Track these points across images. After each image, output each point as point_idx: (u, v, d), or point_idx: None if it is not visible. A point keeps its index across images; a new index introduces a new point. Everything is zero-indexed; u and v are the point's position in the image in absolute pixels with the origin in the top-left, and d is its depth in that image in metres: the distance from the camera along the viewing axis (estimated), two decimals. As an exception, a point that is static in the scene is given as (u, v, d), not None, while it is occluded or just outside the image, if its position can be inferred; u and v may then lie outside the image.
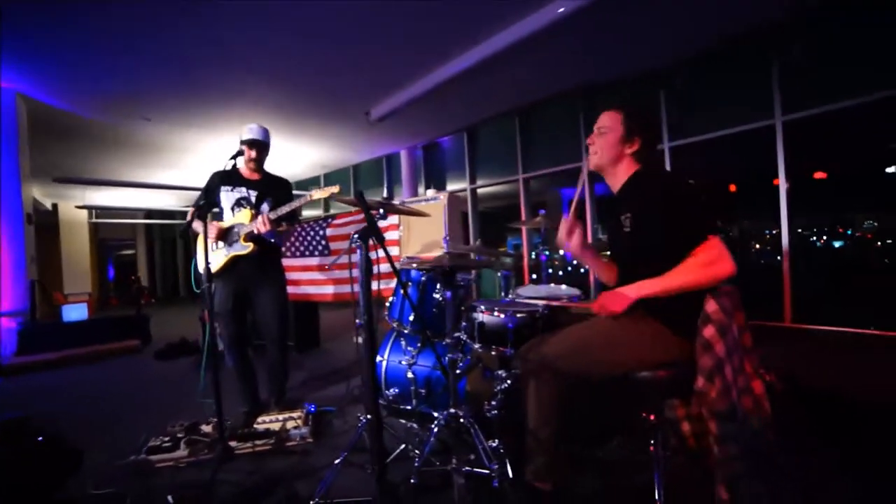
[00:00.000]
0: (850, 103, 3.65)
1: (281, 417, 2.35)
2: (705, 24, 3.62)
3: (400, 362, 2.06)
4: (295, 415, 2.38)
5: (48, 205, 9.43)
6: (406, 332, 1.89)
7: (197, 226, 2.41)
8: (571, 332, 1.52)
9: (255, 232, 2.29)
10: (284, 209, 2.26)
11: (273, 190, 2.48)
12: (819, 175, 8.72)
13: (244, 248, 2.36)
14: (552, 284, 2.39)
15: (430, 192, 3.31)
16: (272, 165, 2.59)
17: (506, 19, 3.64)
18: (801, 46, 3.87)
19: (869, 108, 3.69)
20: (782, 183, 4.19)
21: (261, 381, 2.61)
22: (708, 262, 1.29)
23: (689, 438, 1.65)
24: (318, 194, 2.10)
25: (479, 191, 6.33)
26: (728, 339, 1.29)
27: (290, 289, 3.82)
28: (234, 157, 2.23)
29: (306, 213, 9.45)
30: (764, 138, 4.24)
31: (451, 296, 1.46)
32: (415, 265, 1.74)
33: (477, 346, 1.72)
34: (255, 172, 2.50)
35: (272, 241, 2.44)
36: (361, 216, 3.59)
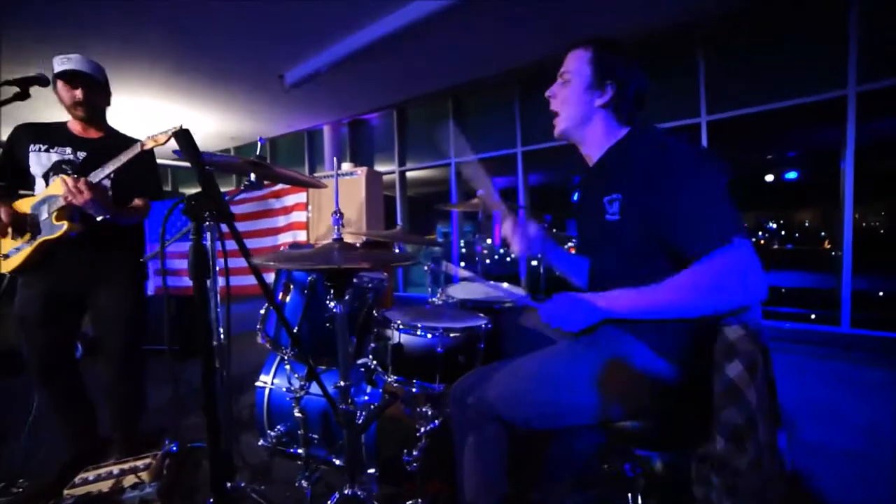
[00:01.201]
0: (772, 106, 3.62)
1: (117, 470, 1.59)
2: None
3: (287, 391, 1.43)
4: (140, 463, 1.63)
5: None
6: (285, 357, 1.26)
7: None
8: (525, 366, 1.02)
9: (66, 201, 1.46)
10: (107, 168, 1.45)
11: (116, 154, 1.58)
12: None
13: (56, 228, 1.52)
14: (491, 282, 1.89)
15: (347, 166, 2.65)
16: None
17: None
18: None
19: (757, 118, 3.72)
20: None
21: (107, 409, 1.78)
22: (715, 283, 0.81)
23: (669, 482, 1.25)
24: (151, 143, 1.36)
25: (409, 175, 5.72)
26: (759, 381, 0.86)
27: (169, 281, 2.94)
28: (23, 83, 1.37)
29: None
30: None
31: (347, 306, 0.87)
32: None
33: (392, 378, 1.14)
34: (91, 127, 1.63)
35: (105, 217, 1.61)
36: (278, 188, 2.80)
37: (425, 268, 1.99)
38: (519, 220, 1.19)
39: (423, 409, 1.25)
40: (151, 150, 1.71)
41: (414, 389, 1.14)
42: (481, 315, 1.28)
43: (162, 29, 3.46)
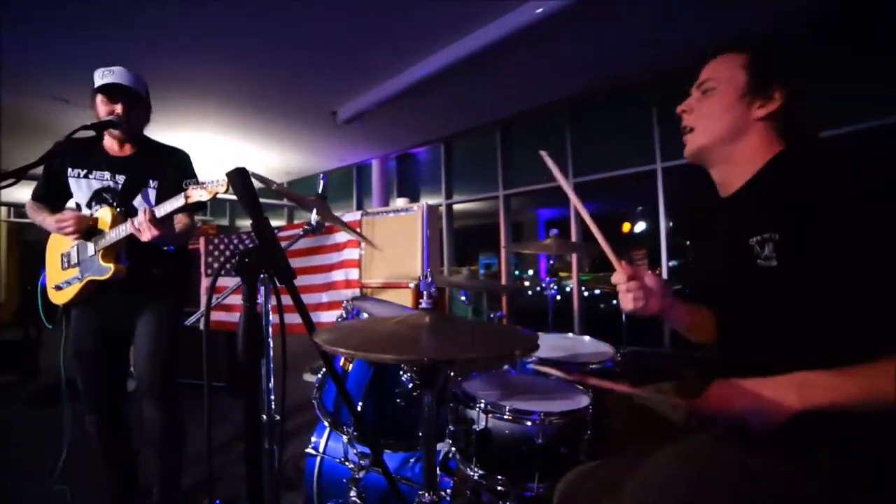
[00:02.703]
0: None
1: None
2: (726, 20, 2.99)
3: (343, 463, 1.20)
4: (178, 531, 1.45)
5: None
6: (344, 437, 1.04)
7: (48, 222, 1.47)
8: (663, 472, 0.73)
9: (135, 231, 1.32)
10: (167, 206, 1.33)
11: (155, 170, 1.51)
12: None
13: (104, 270, 1.43)
14: (570, 334, 1.61)
15: (402, 202, 2.51)
16: (223, 170, 1.53)
17: (477, 20, 2.99)
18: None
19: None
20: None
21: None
22: None
23: None
24: (196, 195, 1.22)
25: (454, 207, 5.58)
26: None
27: (219, 315, 2.86)
28: (94, 129, 1.32)
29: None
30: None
31: (433, 398, 0.65)
32: (364, 316, 0.93)
33: (473, 471, 0.89)
34: (127, 143, 1.51)
35: (165, 248, 1.52)
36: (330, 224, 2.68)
37: (462, 298, 1.80)
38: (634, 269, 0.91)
39: (507, 505, 0.98)
40: (189, 165, 1.61)
41: (499, 487, 0.88)
42: (580, 388, 1.01)
43: (224, 67, 3.58)
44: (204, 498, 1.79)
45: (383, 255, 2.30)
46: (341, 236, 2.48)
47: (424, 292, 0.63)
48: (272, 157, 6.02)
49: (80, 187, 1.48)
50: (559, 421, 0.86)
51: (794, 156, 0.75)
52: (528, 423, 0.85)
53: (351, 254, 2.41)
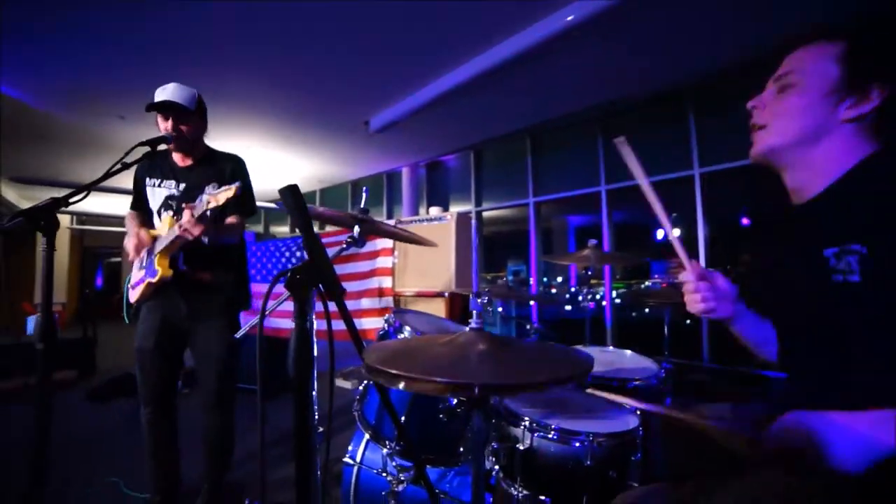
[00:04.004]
0: None
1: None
2: (741, 31, 2.85)
3: (380, 474, 1.19)
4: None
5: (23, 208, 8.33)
6: (386, 450, 1.02)
7: (125, 244, 1.59)
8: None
9: (187, 235, 1.33)
10: (199, 208, 1.32)
11: (210, 176, 1.55)
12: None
13: (154, 273, 1.50)
14: (611, 348, 1.55)
15: (435, 211, 2.51)
16: (261, 178, 1.64)
17: (507, 29, 2.97)
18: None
19: None
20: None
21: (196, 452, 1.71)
22: None
23: None
24: (213, 202, 1.24)
25: (483, 214, 5.55)
26: None
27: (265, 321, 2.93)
28: (148, 144, 1.38)
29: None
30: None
31: (482, 419, 0.62)
32: (407, 330, 0.91)
33: (517, 490, 0.85)
34: (188, 155, 1.60)
35: (205, 241, 1.47)
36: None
37: (499, 309, 1.76)
38: (705, 269, 0.84)
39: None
40: (243, 165, 1.70)
41: (547, 509, 0.84)
42: (628, 407, 0.96)
43: (264, 81, 3.73)
44: (245, 498, 1.82)
45: (416, 264, 2.30)
46: (377, 244, 2.50)
47: (474, 311, 0.61)
48: (306, 166, 6.18)
49: (154, 196, 1.60)
50: (608, 442, 0.82)
51: (881, 161, 0.66)
52: (577, 444, 0.81)
53: (384, 262, 2.42)
